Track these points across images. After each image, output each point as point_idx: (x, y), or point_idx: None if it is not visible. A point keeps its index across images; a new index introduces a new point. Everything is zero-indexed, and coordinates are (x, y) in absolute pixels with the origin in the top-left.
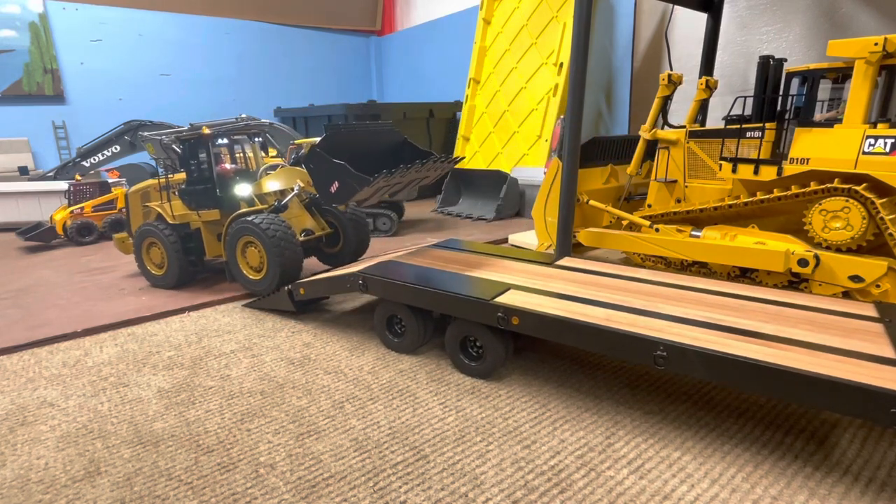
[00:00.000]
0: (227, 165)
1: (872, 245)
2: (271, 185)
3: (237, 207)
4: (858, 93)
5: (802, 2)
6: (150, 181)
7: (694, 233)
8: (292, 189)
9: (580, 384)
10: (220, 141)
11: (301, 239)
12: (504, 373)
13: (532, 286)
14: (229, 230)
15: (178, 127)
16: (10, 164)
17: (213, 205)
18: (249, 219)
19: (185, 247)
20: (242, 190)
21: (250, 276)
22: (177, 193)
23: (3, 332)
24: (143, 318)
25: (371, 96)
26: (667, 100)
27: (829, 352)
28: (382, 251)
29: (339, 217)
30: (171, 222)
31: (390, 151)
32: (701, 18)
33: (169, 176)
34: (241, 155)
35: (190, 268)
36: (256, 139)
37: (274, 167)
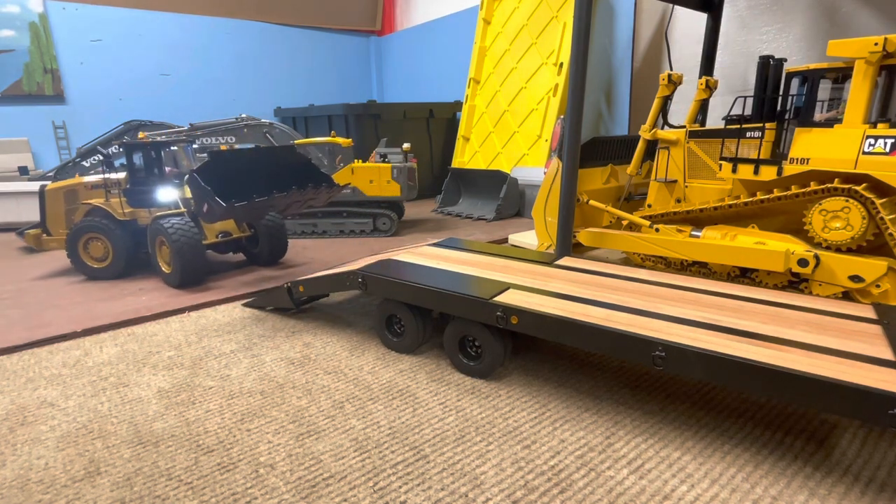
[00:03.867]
0: (168, 168)
1: (872, 245)
2: None
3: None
4: (858, 93)
5: (802, 2)
6: (72, 180)
7: (694, 233)
8: None
9: (580, 384)
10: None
11: (218, 240)
12: (504, 373)
13: (531, 286)
14: (149, 229)
15: (179, 127)
16: (10, 164)
17: (160, 204)
18: (161, 222)
19: (134, 241)
20: (168, 195)
21: (164, 270)
22: (120, 192)
23: (3, 332)
24: (143, 318)
25: (371, 96)
26: (667, 100)
27: (828, 353)
28: (382, 251)
29: (256, 222)
30: (120, 219)
31: (290, 172)
32: (701, 18)
33: (106, 176)
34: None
35: (140, 259)
36: (191, 146)
37: None
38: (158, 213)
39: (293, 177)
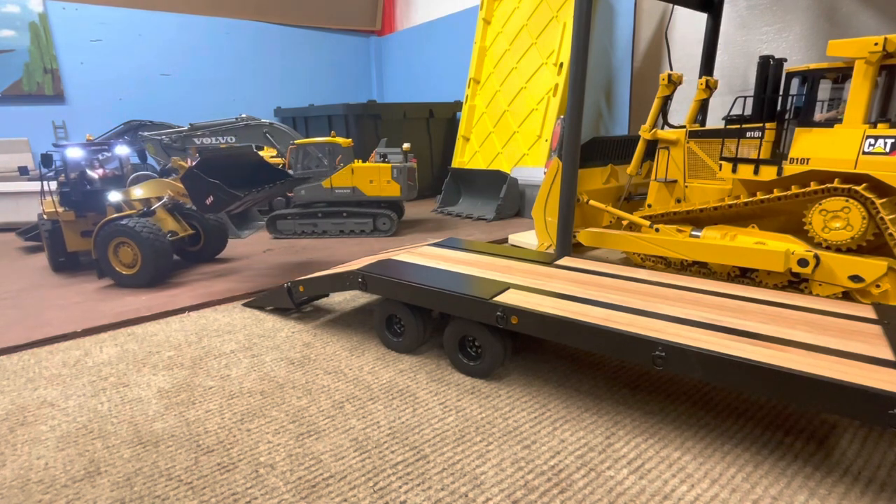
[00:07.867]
0: (99, 171)
1: (872, 245)
2: (138, 192)
3: (102, 208)
4: (858, 93)
5: (802, 2)
6: None
7: (694, 233)
8: (161, 198)
9: (580, 384)
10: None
11: (169, 239)
12: (504, 373)
13: (531, 286)
14: (100, 232)
15: (179, 127)
16: (10, 164)
17: (71, 206)
18: (123, 222)
19: (52, 239)
20: (113, 196)
21: (123, 272)
22: (53, 193)
23: (3, 332)
24: (143, 318)
25: (371, 96)
26: (667, 100)
27: (828, 353)
28: (382, 251)
29: (201, 221)
30: (45, 217)
31: (252, 168)
32: (701, 18)
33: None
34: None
35: (58, 259)
36: (113, 147)
37: (144, 177)
38: (112, 216)
39: (258, 172)
